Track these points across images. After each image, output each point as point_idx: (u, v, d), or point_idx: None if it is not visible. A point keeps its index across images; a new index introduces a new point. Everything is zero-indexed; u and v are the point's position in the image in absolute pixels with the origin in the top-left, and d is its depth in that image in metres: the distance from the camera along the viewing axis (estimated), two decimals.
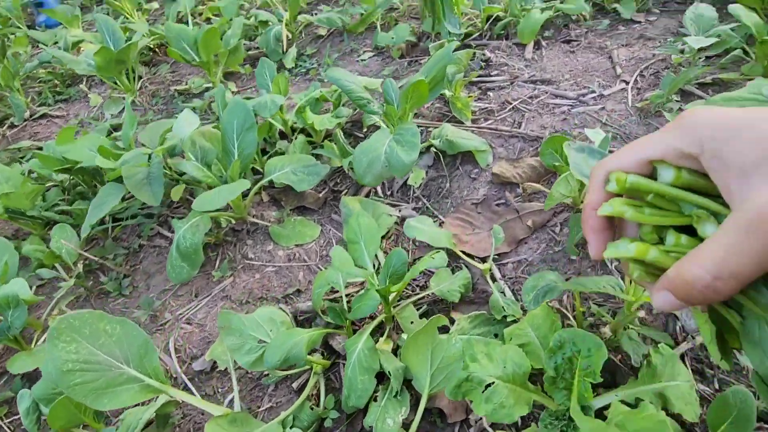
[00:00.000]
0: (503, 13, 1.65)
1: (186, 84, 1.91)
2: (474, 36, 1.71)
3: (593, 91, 1.31)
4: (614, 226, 0.35)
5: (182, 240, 0.99)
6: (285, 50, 1.88)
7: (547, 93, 1.34)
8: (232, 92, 1.80)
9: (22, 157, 1.72)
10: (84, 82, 2.11)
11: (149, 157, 1.07)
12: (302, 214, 1.23)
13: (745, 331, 0.31)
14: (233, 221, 1.18)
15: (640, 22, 1.59)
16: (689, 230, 0.32)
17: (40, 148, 1.77)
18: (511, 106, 1.32)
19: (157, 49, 2.20)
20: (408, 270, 0.84)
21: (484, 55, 1.57)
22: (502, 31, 1.68)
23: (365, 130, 1.40)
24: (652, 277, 0.32)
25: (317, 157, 1.24)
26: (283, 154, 1.37)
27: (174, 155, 1.10)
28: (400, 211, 1.15)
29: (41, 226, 1.26)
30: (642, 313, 0.74)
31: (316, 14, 2.21)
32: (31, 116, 1.95)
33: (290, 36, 1.97)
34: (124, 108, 1.88)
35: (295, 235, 1.15)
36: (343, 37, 1.97)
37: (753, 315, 0.30)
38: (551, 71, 1.45)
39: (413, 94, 1.08)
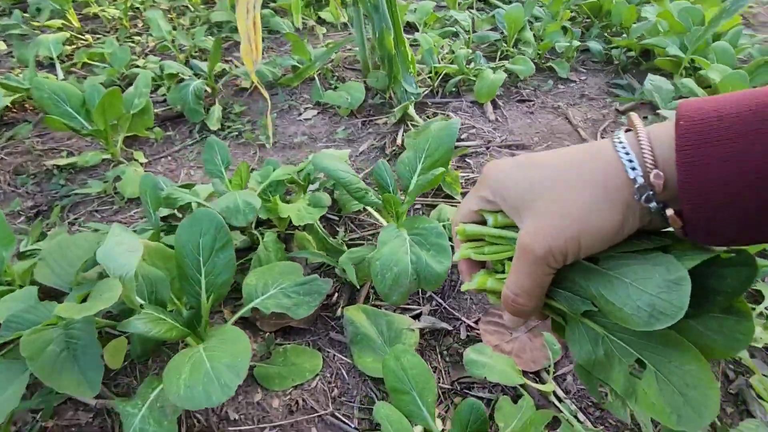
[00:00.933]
0: (452, 68, 1.60)
1: (67, 155, 1.44)
2: (426, 94, 1.62)
3: None
4: (476, 264, 0.42)
5: None
6: (207, 109, 1.55)
7: None
8: (141, 164, 1.41)
9: None
10: None
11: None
12: (289, 337, 0.96)
13: (568, 332, 0.38)
14: None
15: (575, 81, 1.69)
16: None
17: None
18: None
19: (11, 105, 1.64)
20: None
21: (447, 116, 1.49)
22: (454, 89, 1.63)
23: (341, 212, 1.18)
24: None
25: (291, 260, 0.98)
26: (247, 248, 1.07)
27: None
28: (419, 319, 0.96)
29: None
30: None
31: (231, 62, 1.91)
32: None
33: (209, 90, 1.64)
34: None
35: (291, 372, 0.88)
36: (274, 90, 1.72)
37: (571, 318, 0.37)
38: (519, 134, 1.42)
39: (426, 185, 0.91)
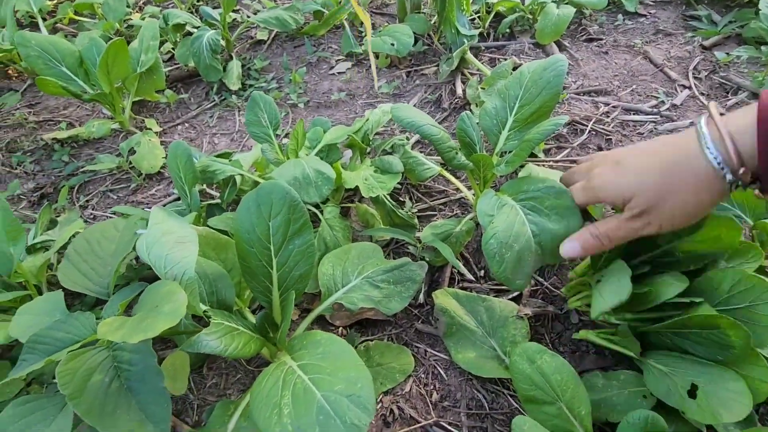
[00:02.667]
0: (511, 2, 1.37)
1: (67, 127, 1.23)
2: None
3: (663, 102, 1.11)
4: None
5: None
6: (224, 66, 1.33)
7: (615, 108, 1.11)
8: (156, 133, 1.20)
9: None
10: None
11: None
12: (366, 332, 0.80)
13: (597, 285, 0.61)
14: None
15: (645, 16, 1.46)
16: None
17: None
18: (586, 129, 1.06)
19: None
20: None
21: (504, 60, 1.27)
22: (507, 30, 1.40)
23: (405, 178, 1.00)
24: None
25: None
26: None
27: None
28: (520, 303, 0.80)
29: None
30: None
31: (239, 11, 1.65)
32: None
33: (223, 44, 1.41)
34: None
35: (378, 375, 0.72)
36: (296, 42, 1.49)
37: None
38: (596, 77, 1.22)
39: (526, 145, 0.72)
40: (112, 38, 1.46)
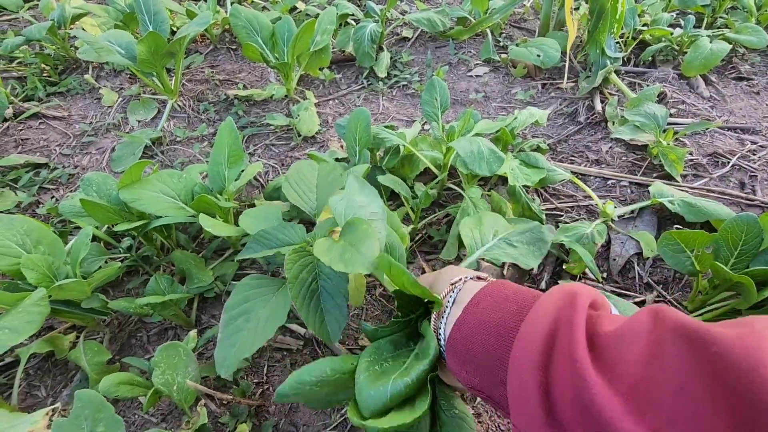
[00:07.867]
0: (663, 30, 1.39)
1: (241, 87, 1.46)
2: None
3: None
4: None
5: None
6: (376, 56, 1.49)
7: (763, 147, 1.10)
8: (315, 104, 1.39)
9: (14, 180, 1.19)
10: (90, 71, 1.57)
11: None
12: None
13: None
14: None
15: None
16: None
17: (40, 166, 1.25)
18: (728, 162, 1.06)
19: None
20: None
21: (647, 85, 1.30)
22: (649, 58, 1.42)
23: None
24: None
25: None
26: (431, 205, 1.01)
27: None
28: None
29: (92, 318, 0.80)
30: None
31: (390, 10, 1.82)
32: (15, 115, 1.40)
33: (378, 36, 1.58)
34: (158, 114, 1.40)
35: None
36: (437, 43, 1.62)
37: None
38: (742, 116, 1.21)
39: None
40: (281, 17, 1.69)
